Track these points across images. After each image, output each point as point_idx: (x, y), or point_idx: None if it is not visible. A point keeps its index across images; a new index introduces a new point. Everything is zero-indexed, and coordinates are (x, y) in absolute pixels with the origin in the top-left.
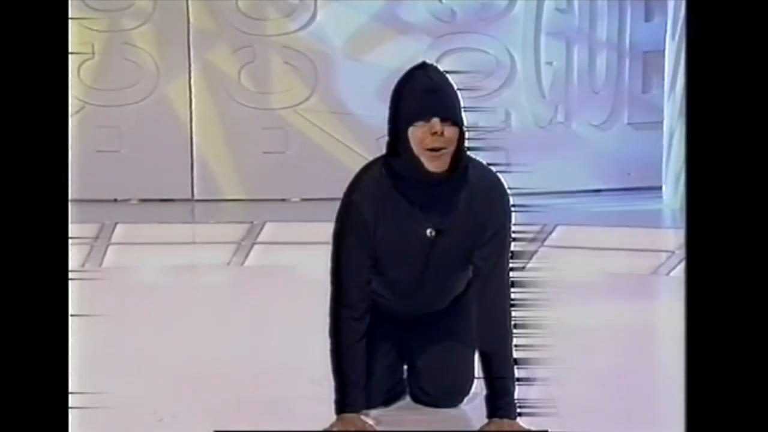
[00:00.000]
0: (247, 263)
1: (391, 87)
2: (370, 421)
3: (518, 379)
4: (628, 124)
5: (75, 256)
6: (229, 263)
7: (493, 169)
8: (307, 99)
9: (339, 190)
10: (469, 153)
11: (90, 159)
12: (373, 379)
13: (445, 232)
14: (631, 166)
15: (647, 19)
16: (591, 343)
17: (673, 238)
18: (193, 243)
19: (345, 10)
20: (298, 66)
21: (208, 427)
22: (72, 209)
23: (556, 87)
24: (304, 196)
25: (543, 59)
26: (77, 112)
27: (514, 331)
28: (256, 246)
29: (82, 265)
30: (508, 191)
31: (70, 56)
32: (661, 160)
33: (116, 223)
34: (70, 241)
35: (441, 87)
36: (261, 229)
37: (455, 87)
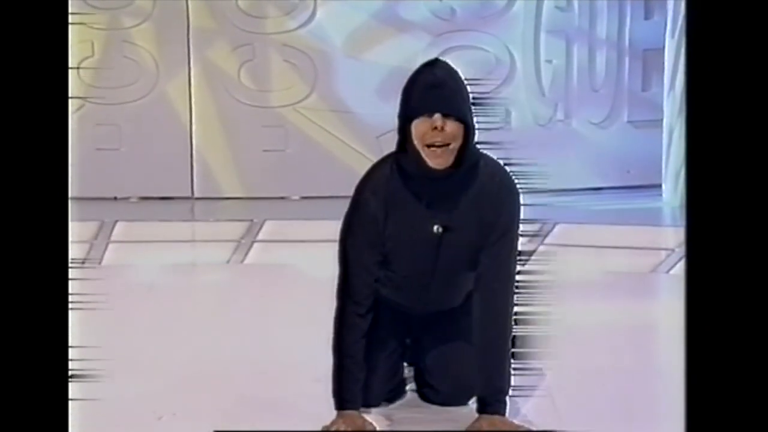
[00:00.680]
0: (246, 261)
1: (391, 85)
2: (369, 419)
3: (515, 376)
4: (628, 122)
5: (75, 254)
6: (228, 261)
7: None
8: (306, 97)
9: (339, 188)
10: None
11: (90, 157)
12: (377, 377)
13: (453, 230)
14: (630, 164)
15: (647, 17)
16: (591, 341)
17: (673, 236)
18: (193, 241)
19: (345, 8)
20: (297, 64)
21: (207, 425)
22: (72, 207)
23: (556, 85)
24: (304, 194)
25: (543, 57)
26: (77, 110)
27: (514, 329)
28: (255, 244)
29: (82, 263)
30: (519, 190)
31: (69, 54)
32: (661, 158)
33: (116, 221)
34: (69, 239)
35: (445, 82)
36: (261, 227)
37: (463, 83)
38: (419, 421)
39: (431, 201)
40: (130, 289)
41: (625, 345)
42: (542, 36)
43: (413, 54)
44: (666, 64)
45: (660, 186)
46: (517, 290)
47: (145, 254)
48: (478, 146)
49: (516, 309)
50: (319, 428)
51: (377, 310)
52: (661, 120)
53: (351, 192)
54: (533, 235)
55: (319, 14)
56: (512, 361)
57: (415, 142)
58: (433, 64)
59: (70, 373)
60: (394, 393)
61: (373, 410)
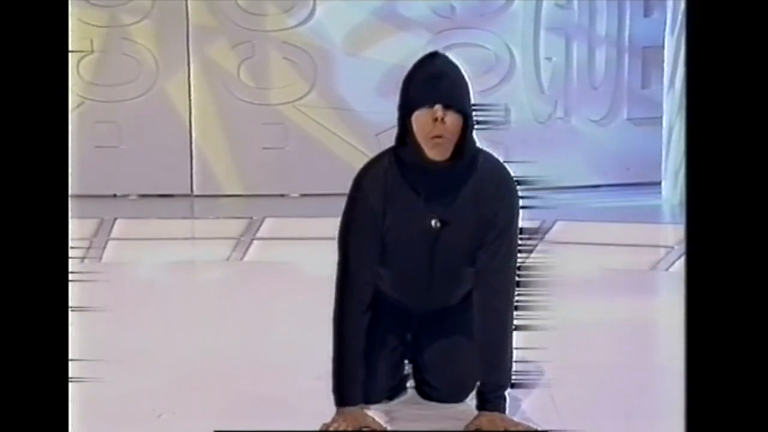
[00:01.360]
0: (246, 259)
1: (391, 83)
2: (370, 413)
3: (514, 372)
4: (628, 119)
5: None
6: (228, 259)
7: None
8: (306, 94)
9: (338, 186)
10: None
11: (89, 154)
12: (378, 375)
13: (450, 224)
14: (630, 161)
15: (646, 15)
16: (590, 338)
17: (673, 233)
18: (193, 238)
19: (344, 5)
20: (297, 61)
21: (206, 423)
22: (71, 204)
23: (556, 82)
24: (304, 192)
25: (542, 55)
26: (76, 107)
27: (514, 326)
28: (255, 241)
29: (82, 261)
30: (518, 187)
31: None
32: (661, 155)
33: (115, 219)
34: (69, 236)
35: (446, 74)
36: (260, 224)
37: (463, 76)
38: (419, 419)
39: (429, 194)
40: (129, 287)
41: (625, 342)
42: (542, 33)
43: (413, 51)
44: (665, 61)
45: (659, 183)
46: (516, 287)
47: (144, 252)
48: (478, 144)
49: (515, 306)
50: (320, 426)
51: (377, 308)
52: (661, 117)
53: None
54: (532, 233)
55: (318, 12)
56: (512, 358)
57: (416, 133)
58: (434, 56)
59: (69, 371)
60: (395, 390)
61: (374, 407)
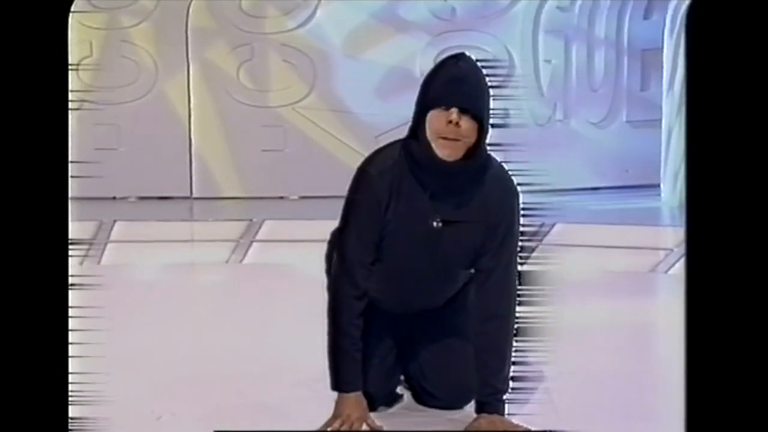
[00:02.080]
0: (245, 261)
1: (390, 85)
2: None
3: (513, 375)
4: (627, 121)
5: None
6: (227, 261)
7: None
8: (305, 97)
9: (337, 188)
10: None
11: (88, 157)
12: (373, 381)
13: (452, 226)
14: (629, 163)
15: (646, 17)
16: (589, 341)
17: (672, 235)
18: (192, 241)
19: (344, 8)
20: (296, 64)
21: (205, 425)
22: (70, 207)
23: (555, 85)
24: (303, 194)
25: (541, 57)
26: (76, 110)
27: (514, 330)
28: (254, 244)
29: (81, 263)
30: (521, 194)
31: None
32: (660, 157)
33: (115, 221)
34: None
35: (467, 78)
36: (260, 227)
37: (485, 81)
38: (417, 424)
39: (435, 192)
40: (129, 289)
41: (624, 345)
42: (541, 36)
43: (412, 54)
44: (665, 63)
45: (658, 186)
46: (517, 291)
47: (144, 254)
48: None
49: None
50: (318, 428)
51: (372, 315)
52: (660, 120)
53: None
54: (532, 235)
55: (318, 14)
56: (512, 361)
57: (428, 132)
58: (459, 58)
59: (69, 372)
60: (391, 397)
61: (371, 415)
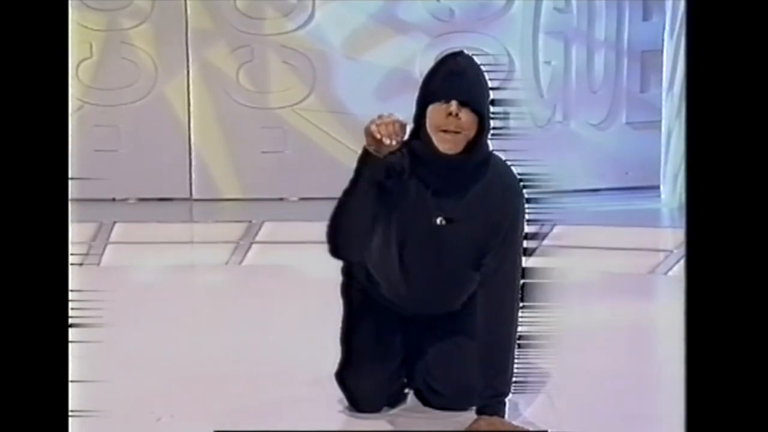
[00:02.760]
0: (245, 263)
1: (390, 86)
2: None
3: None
4: (627, 123)
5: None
6: (227, 263)
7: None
8: (305, 98)
9: (337, 190)
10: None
11: (88, 158)
12: (378, 382)
13: (456, 223)
14: (629, 165)
15: (645, 19)
16: (589, 342)
17: (671, 237)
18: (192, 242)
19: (343, 9)
20: (296, 65)
21: (205, 427)
22: (70, 208)
23: (555, 86)
24: (303, 196)
25: (541, 59)
26: (75, 111)
27: (517, 331)
28: (254, 245)
29: (81, 265)
30: (525, 194)
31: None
32: (659, 159)
33: (114, 223)
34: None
35: (466, 72)
36: (259, 228)
37: (484, 76)
38: (419, 424)
39: (438, 189)
40: (128, 290)
41: (624, 346)
42: (541, 37)
43: (412, 55)
44: (664, 65)
45: (658, 187)
46: (521, 292)
47: (143, 255)
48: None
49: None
50: (318, 428)
51: (377, 315)
52: (660, 121)
53: None
54: (532, 236)
55: (317, 15)
56: (514, 363)
57: (428, 126)
58: (457, 55)
59: (69, 374)
60: (396, 397)
61: (374, 416)
